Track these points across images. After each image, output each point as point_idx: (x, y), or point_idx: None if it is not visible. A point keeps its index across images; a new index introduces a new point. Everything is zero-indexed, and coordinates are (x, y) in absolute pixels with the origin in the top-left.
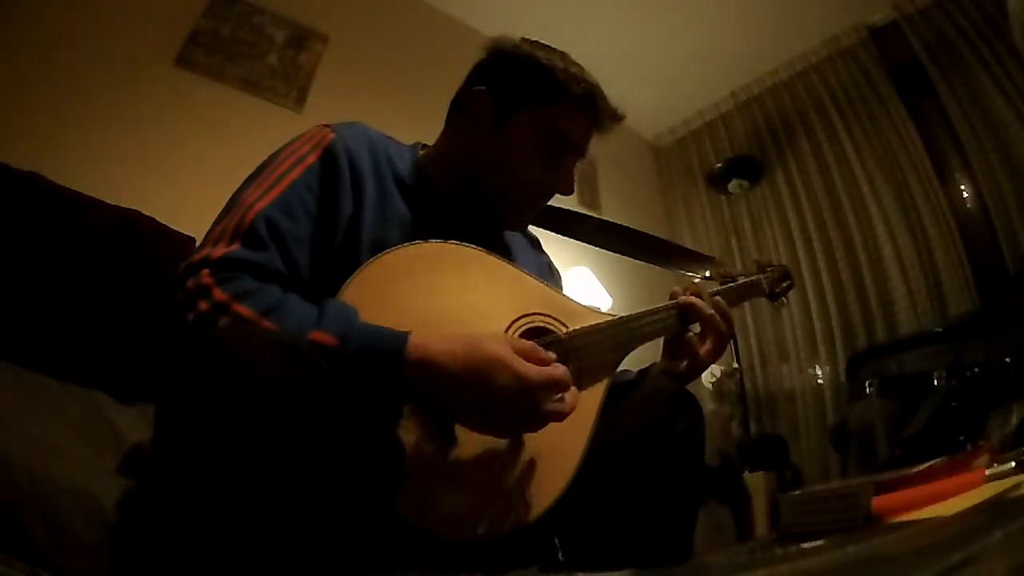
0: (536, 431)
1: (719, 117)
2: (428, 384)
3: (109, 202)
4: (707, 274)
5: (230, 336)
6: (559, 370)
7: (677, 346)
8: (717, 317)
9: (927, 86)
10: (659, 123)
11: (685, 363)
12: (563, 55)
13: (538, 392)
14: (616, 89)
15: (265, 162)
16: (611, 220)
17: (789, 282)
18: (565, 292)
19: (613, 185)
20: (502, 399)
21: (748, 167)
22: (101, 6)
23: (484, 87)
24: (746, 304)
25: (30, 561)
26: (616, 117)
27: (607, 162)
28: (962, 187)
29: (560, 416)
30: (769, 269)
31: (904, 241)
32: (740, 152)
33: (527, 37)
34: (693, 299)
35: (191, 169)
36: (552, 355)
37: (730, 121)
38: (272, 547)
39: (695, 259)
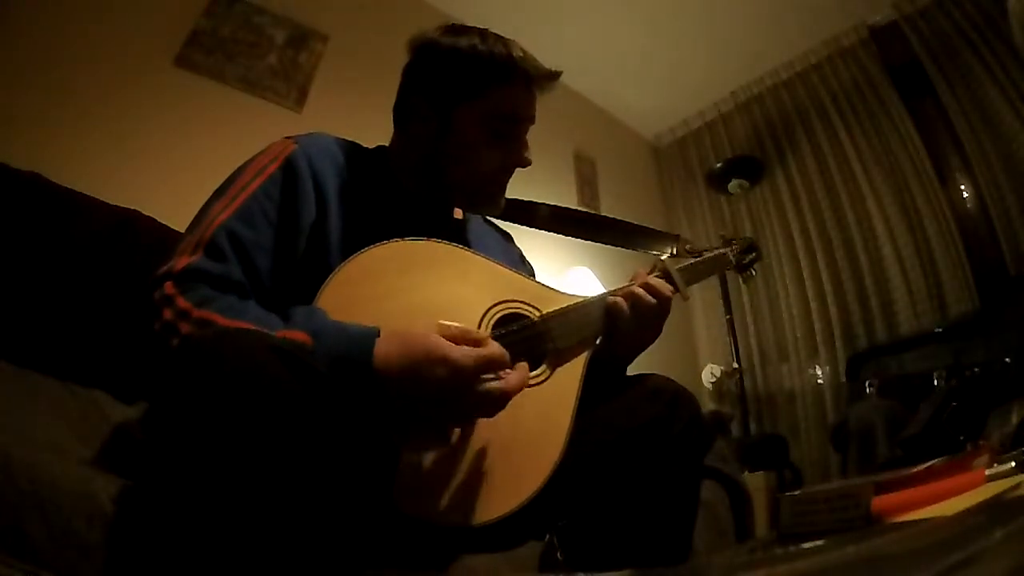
0: (489, 414)
1: (719, 117)
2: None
3: (109, 202)
4: (673, 251)
5: (222, 337)
6: (491, 348)
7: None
8: (646, 295)
9: (927, 86)
10: (659, 123)
11: (612, 339)
12: (483, 32)
13: (470, 373)
14: (616, 89)
15: (230, 176)
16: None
17: (755, 254)
18: (537, 279)
19: (613, 185)
20: (438, 389)
21: (748, 167)
22: (101, 6)
23: (420, 95)
24: (746, 303)
25: (30, 561)
26: (552, 76)
27: (607, 162)
28: (962, 187)
29: (503, 394)
30: (734, 242)
31: (904, 241)
32: (740, 152)
33: (446, 24)
34: (635, 288)
35: (191, 169)
36: (485, 334)
37: (730, 121)
38: (274, 542)
39: (660, 238)
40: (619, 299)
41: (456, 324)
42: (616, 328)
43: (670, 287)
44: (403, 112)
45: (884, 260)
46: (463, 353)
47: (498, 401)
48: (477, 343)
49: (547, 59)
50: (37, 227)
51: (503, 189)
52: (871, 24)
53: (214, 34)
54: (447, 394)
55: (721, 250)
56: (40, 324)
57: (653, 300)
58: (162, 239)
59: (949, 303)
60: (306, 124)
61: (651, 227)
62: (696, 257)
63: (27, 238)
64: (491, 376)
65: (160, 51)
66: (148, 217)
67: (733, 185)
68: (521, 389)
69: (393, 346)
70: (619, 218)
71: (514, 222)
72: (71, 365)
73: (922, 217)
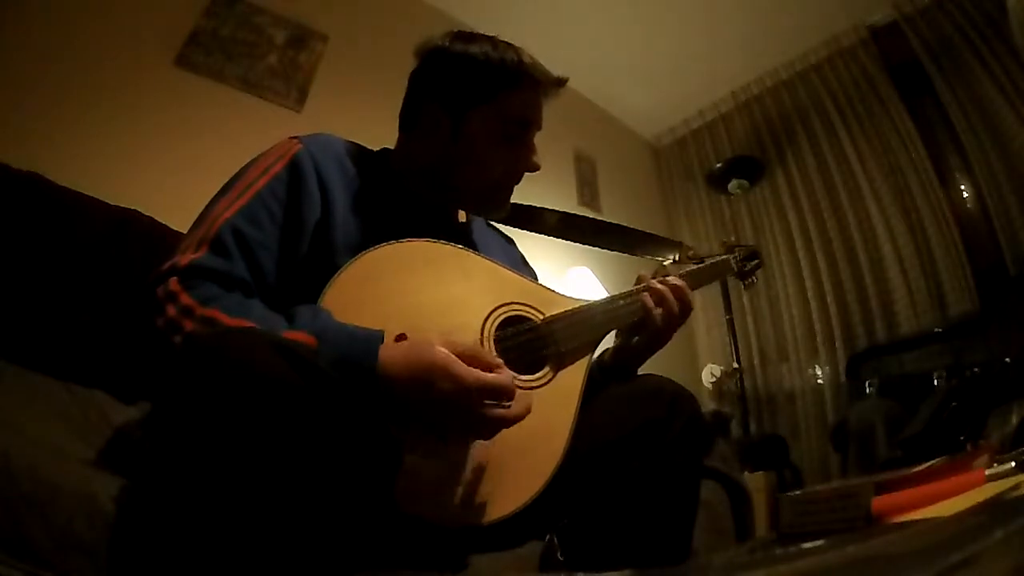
0: (484, 437)
1: (719, 117)
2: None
3: (109, 202)
4: (676, 258)
5: (226, 335)
6: (501, 377)
7: (636, 325)
8: (670, 296)
9: (927, 86)
10: (659, 123)
11: (637, 339)
12: (493, 40)
13: (475, 397)
14: (616, 89)
15: (235, 175)
16: (609, 219)
17: (757, 261)
18: (540, 282)
19: (613, 185)
20: (440, 402)
21: (748, 167)
22: (101, 6)
23: (431, 100)
24: (746, 303)
25: (30, 561)
26: (559, 82)
27: (607, 162)
28: (962, 187)
29: (503, 422)
30: (737, 249)
31: (904, 241)
32: (740, 152)
33: (453, 30)
34: (656, 284)
35: (191, 169)
36: (499, 361)
37: (730, 121)
38: (274, 541)
39: (664, 244)
40: (651, 302)
41: (469, 344)
42: (644, 330)
43: (690, 293)
44: (412, 117)
45: (884, 260)
46: (470, 374)
47: (496, 427)
48: (488, 367)
49: (547, 59)
50: (37, 227)
51: (511, 193)
52: (871, 24)
53: (214, 34)
54: (448, 408)
55: (723, 257)
56: (40, 324)
57: (677, 308)
58: (162, 239)
59: (949, 303)
60: (306, 124)
61: (655, 233)
62: (698, 263)
63: (27, 238)
64: (494, 403)
65: (160, 51)
66: (148, 217)
67: (733, 185)
68: (523, 416)
69: (400, 352)
70: (621, 221)
71: (518, 227)
72: (71, 365)
73: (922, 217)
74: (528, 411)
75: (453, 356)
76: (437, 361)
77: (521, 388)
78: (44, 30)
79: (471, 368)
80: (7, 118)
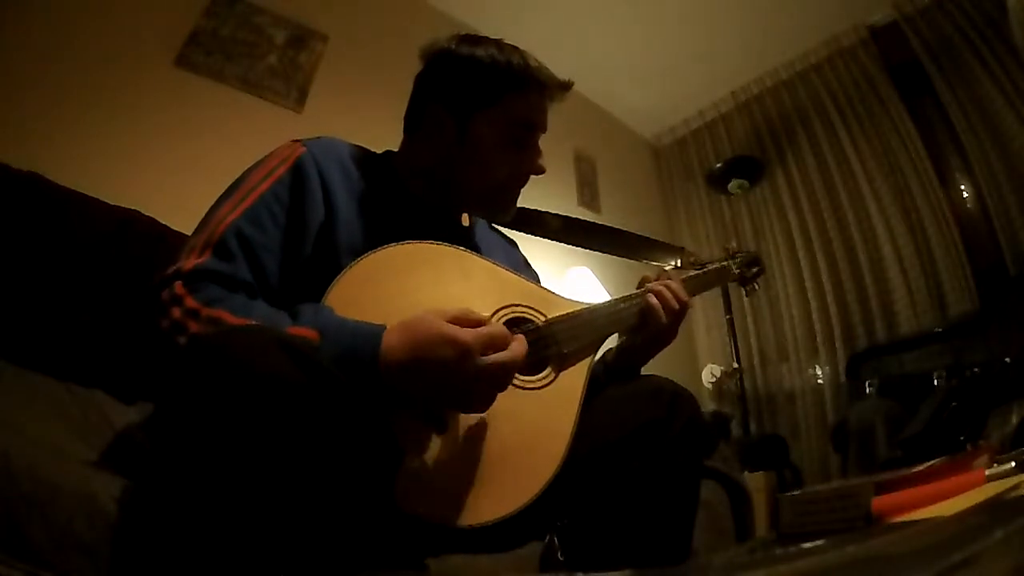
0: (499, 387)
1: (719, 117)
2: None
3: (109, 202)
4: (677, 263)
5: (230, 334)
6: (492, 327)
7: (638, 326)
8: (668, 294)
9: (927, 86)
10: (659, 123)
11: (641, 338)
12: (498, 43)
13: (475, 350)
14: (616, 89)
15: (239, 178)
16: (610, 221)
17: (759, 267)
18: (542, 284)
19: (613, 185)
20: (444, 369)
21: (748, 167)
22: (101, 6)
23: (437, 102)
24: (746, 303)
25: (30, 561)
26: (565, 86)
27: (607, 162)
28: (962, 187)
29: (505, 364)
30: (738, 255)
31: (904, 241)
32: (740, 152)
33: (459, 33)
34: (659, 287)
35: (191, 169)
36: (486, 316)
37: (730, 121)
38: (276, 540)
39: (665, 249)
40: (655, 300)
41: (457, 308)
42: (647, 329)
43: (686, 292)
44: (416, 119)
45: (884, 260)
46: (466, 332)
47: (504, 372)
48: (478, 323)
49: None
50: (37, 227)
51: (516, 197)
52: (871, 24)
53: (214, 34)
54: (453, 373)
55: (725, 263)
56: (40, 324)
57: (676, 305)
58: (162, 239)
59: (949, 303)
60: (306, 124)
61: (656, 239)
62: (700, 269)
63: (27, 238)
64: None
65: (160, 51)
66: (148, 217)
67: (733, 185)
68: (523, 356)
69: (396, 334)
70: (621, 221)
71: (522, 231)
72: (71, 365)
73: (922, 217)
74: (524, 348)
75: (446, 322)
76: (433, 330)
77: (523, 389)
78: (44, 30)
79: (464, 328)
80: (7, 118)
